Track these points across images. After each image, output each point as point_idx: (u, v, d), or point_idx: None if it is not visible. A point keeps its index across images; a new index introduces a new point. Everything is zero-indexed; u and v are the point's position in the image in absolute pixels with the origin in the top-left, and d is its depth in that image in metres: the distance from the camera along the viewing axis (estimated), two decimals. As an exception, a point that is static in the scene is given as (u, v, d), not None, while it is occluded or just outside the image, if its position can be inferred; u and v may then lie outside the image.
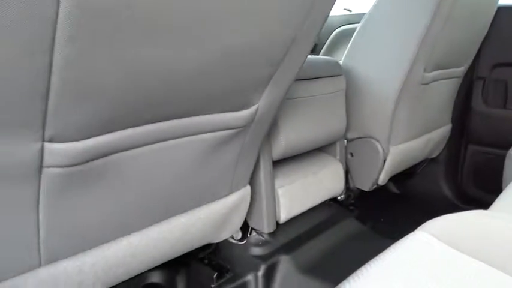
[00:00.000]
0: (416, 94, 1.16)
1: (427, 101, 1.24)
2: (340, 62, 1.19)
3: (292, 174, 1.03)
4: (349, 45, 1.19)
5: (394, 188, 1.56)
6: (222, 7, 0.48)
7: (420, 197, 1.55)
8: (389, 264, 0.50)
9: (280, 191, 0.98)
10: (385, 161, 1.20)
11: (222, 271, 0.93)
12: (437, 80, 1.22)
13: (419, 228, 0.61)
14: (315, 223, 1.13)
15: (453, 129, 1.50)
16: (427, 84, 1.18)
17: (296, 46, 0.64)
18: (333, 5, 0.66)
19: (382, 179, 1.22)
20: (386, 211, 1.42)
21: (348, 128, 1.21)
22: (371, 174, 1.22)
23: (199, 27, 0.48)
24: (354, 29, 1.24)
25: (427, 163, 1.55)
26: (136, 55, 0.45)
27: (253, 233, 1.02)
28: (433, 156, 1.51)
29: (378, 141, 1.19)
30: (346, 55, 1.20)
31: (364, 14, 1.17)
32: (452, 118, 1.48)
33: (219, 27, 0.50)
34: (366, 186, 1.25)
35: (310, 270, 0.99)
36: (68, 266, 0.61)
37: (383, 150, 1.19)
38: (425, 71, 1.14)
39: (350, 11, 2.03)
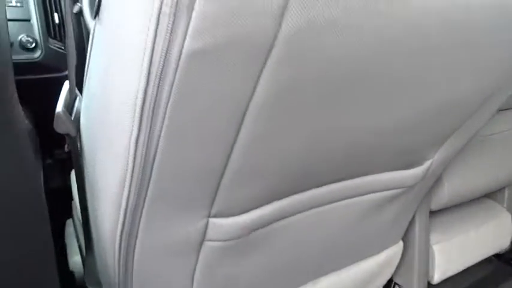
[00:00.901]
0: None
1: None
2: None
3: (451, 228, 0.87)
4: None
5: None
6: (429, 65, 0.38)
7: None
8: None
9: (435, 248, 0.83)
10: None
11: (360, 330, 0.83)
12: None
13: None
14: (472, 282, 0.95)
15: None
16: None
17: (498, 92, 0.50)
18: None
19: None
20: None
21: (520, 169, 0.98)
22: (550, 230, 0.98)
23: (398, 89, 0.39)
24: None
25: None
26: (325, 127, 0.39)
27: (396, 288, 0.89)
28: None
29: None
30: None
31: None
32: None
33: (421, 86, 0.40)
34: (541, 243, 1.01)
35: None
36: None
37: None
38: None
39: None
